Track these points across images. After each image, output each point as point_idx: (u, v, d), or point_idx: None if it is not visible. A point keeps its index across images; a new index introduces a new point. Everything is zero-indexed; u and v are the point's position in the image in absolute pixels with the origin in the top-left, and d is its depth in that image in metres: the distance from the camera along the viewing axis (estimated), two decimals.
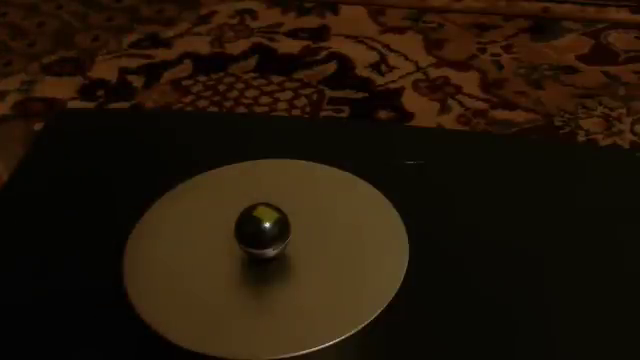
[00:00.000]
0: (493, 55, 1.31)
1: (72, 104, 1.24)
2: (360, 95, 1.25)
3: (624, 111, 1.20)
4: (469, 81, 1.27)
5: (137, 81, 1.29)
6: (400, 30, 1.38)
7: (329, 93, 1.26)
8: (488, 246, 0.56)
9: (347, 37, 1.37)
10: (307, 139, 0.66)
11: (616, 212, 0.59)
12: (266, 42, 1.37)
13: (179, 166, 0.61)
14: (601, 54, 1.31)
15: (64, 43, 1.38)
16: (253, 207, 0.51)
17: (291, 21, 1.41)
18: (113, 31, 1.40)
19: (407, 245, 0.53)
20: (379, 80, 1.28)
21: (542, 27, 1.37)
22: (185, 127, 0.70)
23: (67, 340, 0.52)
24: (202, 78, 1.30)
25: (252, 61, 1.33)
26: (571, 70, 1.28)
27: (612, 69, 1.28)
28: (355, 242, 0.53)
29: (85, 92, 1.28)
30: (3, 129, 1.21)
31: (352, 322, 0.49)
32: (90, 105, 1.24)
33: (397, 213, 0.55)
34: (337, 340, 0.48)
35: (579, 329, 0.51)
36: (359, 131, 0.68)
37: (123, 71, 1.31)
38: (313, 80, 1.28)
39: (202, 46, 1.36)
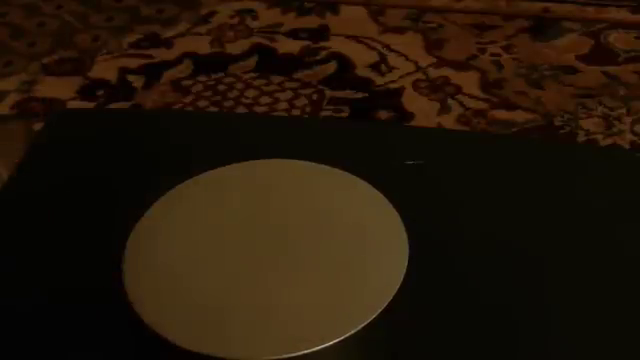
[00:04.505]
0: (493, 55, 1.31)
1: (72, 104, 1.24)
2: (360, 95, 1.25)
3: (624, 111, 1.20)
4: (469, 81, 1.27)
5: (137, 81, 1.29)
6: (400, 30, 1.38)
7: (329, 93, 1.26)
8: (488, 246, 0.56)
9: (347, 37, 1.37)
10: (307, 139, 0.66)
11: (616, 212, 0.59)
12: (266, 42, 1.37)
13: (179, 166, 0.61)
14: (601, 54, 1.31)
15: (64, 43, 1.38)
16: None
17: (291, 21, 1.41)
18: (113, 31, 1.40)
19: (407, 245, 0.53)
20: (379, 80, 1.28)
21: (542, 27, 1.37)
22: (185, 127, 0.70)
23: (66, 340, 0.52)
24: (202, 78, 1.30)
25: (252, 61, 1.33)
26: (571, 70, 1.28)
27: (612, 69, 1.28)
28: (355, 242, 0.53)
29: (85, 92, 1.28)
30: (3, 129, 1.21)
31: (352, 322, 0.49)
32: (90, 105, 1.24)
33: (397, 213, 0.55)
34: (337, 340, 0.48)
35: (579, 328, 0.51)
36: (359, 131, 0.68)
37: (123, 71, 1.31)
38: (313, 80, 1.28)
39: (202, 46, 1.36)
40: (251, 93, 1.26)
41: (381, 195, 0.56)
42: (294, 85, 1.28)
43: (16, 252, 0.59)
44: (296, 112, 1.22)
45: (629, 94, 1.23)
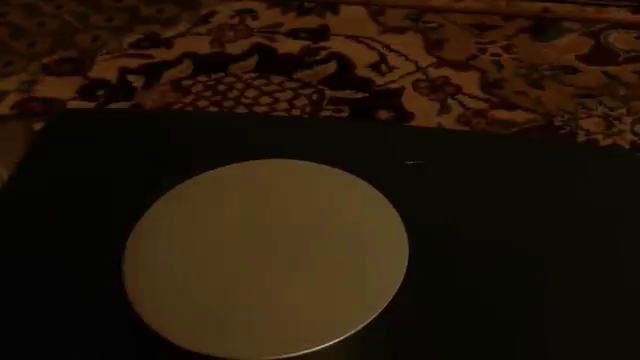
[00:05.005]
0: (493, 55, 1.31)
1: (72, 104, 1.24)
2: (360, 95, 1.25)
3: (624, 111, 1.20)
4: (469, 81, 1.27)
5: (137, 81, 1.29)
6: (400, 30, 1.38)
7: (329, 93, 1.26)
8: (488, 246, 0.56)
9: (347, 37, 1.37)
10: (307, 139, 0.66)
11: (616, 212, 0.59)
12: (266, 42, 1.37)
13: (179, 166, 0.61)
14: (601, 54, 1.31)
15: (64, 43, 1.38)
16: None
17: (291, 21, 1.41)
18: (113, 31, 1.40)
19: (407, 245, 0.53)
20: (379, 80, 1.28)
21: (542, 27, 1.37)
22: (185, 127, 0.70)
23: (67, 340, 0.52)
24: (202, 78, 1.30)
25: (252, 61, 1.33)
26: (571, 70, 1.28)
27: (612, 69, 1.28)
28: (355, 242, 0.53)
29: (85, 92, 1.28)
30: (3, 129, 1.21)
31: (352, 322, 0.49)
32: (90, 105, 1.24)
33: (397, 213, 0.55)
34: (337, 340, 0.48)
35: (579, 328, 0.51)
36: (359, 131, 0.68)
37: (123, 71, 1.31)
38: (313, 80, 1.28)
39: (202, 46, 1.36)
40: (251, 93, 1.26)
41: (381, 195, 0.56)
42: (294, 85, 1.28)
43: (16, 252, 0.59)
44: (296, 112, 1.22)
45: (629, 94, 1.23)
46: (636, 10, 1.39)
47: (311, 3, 1.45)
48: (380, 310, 0.49)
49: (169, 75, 1.30)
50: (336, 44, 1.35)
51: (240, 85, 1.28)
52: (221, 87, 1.28)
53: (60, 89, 1.28)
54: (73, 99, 1.26)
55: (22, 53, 1.36)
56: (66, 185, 0.63)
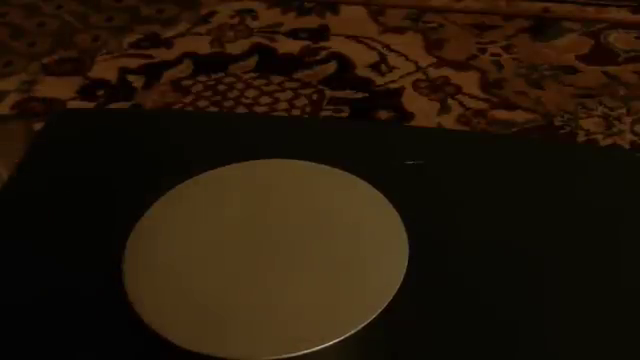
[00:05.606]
0: (493, 55, 1.31)
1: (72, 104, 1.24)
2: (360, 95, 1.25)
3: (624, 111, 1.20)
4: (469, 81, 1.27)
5: (137, 81, 1.29)
6: (400, 30, 1.38)
7: (329, 93, 1.26)
8: (488, 246, 0.56)
9: (347, 37, 1.37)
10: (307, 139, 0.66)
11: (616, 212, 0.59)
12: (266, 42, 1.37)
13: (179, 166, 0.61)
14: (601, 54, 1.31)
15: (64, 43, 1.38)
16: None
17: (291, 21, 1.41)
18: (113, 31, 1.40)
19: (407, 245, 0.53)
20: (379, 80, 1.28)
21: (542, 27, 1.37)
22: (185, 127, 0.70)
23: (66, 340, 0.52)
24: (202, 78, 1.30)
25: (252, 61, 1.33)
26: (571, 70, 1.28)
27: (612, 69, 1.28)
28: (355, 242, 0.53)
29: (85, 92, 1.28)
30: (3, 129, 1.21)
31: (352, 322, 0.49)
32: (90, 105, 1.24)
33: (397, 213, 0.55)
34: (337, 340, 0.48)
35: (579, 328, 0.52)
36: (359, 131, 0.68)
37: (123, 71, 1.31)
38: (313, 80, 1.28)
39: (202, 46, 1.36)
40: (251, 93, 1.26)
41: (381, 195, 0.56)
42: (294, 85, 1.28)
43: (16, 252, 0.59)
44: (296, 112, 1.22)
45: (629, 94, 1.23)
46: (636, 10, 1.39)
47: (311, 3, 1.45)
48: (380, 310, 0.49)
49: (169, 75, 1.30)
50: (336, 44, 1.35)
51: (240, 85, 1.28)
52: (221, 87, 1.28)
53: (60, 89, 1.28)
54: (73, 99, 1.26)
55: (22, 53, 1.36)
56: (66, 185, 0.63)
